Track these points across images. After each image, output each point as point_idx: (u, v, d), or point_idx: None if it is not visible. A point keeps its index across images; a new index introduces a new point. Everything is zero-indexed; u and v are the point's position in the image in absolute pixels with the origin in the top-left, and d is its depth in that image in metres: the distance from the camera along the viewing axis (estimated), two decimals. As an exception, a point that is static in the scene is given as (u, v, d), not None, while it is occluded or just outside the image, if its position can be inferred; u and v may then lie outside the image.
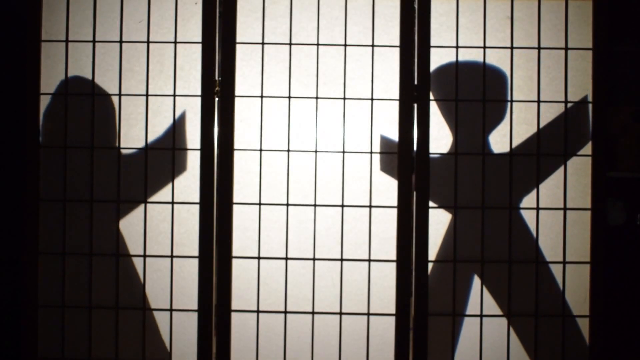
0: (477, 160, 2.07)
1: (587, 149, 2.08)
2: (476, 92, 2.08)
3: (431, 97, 2.07)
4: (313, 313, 2.07)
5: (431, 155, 2.07)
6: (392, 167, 2.06)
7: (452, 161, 2.07)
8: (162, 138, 2.07)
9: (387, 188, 2.07)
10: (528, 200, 2.08)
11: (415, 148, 2.05)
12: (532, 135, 2.08)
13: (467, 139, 2.08)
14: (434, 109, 2.09)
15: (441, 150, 2.09)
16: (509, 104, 2.08)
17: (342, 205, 2.07)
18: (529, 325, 2.07)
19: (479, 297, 2.07)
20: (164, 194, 2.07)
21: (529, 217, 2.08)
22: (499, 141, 2.09)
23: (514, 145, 2.08)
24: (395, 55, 2.08)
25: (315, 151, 2.08)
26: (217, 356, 2.06)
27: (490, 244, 2.07)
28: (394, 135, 2.07)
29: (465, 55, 2.09)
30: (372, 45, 2.09)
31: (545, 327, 2.07)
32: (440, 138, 2.09)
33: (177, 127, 2.07)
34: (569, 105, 2.09)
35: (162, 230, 2.07)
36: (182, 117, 2.06)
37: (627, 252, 2.18)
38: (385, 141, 2.07)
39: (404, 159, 2.05)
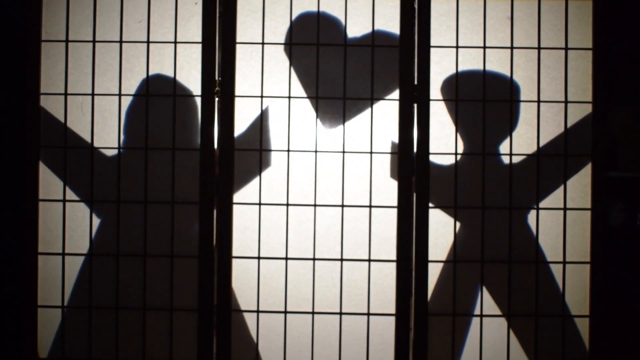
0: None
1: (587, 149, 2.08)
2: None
3: (431, 97, 2.08)
4: (313, 313, 2.07)
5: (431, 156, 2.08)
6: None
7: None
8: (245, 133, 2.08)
9: (387, 188, 2.07)
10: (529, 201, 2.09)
11: (415, 148, 2.06)
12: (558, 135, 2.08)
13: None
14: (433, 109, 2.08)
15: (441, 150, 2.09)
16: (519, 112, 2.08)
17: (342, 205, 2.07)
18: (529, 325, 2.07)
19: (480, 301, 2.08)
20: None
21: (530, 215, 2.08)
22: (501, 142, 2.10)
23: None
24: (395, 55, 2.08)
25: (315, 151, 2.08)
26: (217, 356, 2.06)
27: (493, 246, 2.08)
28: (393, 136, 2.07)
29: (465, 55, 2.09)
30: (372, 46, 2.09)
31: (546, 327, 2.07)
32: (440, 138, 2.09)
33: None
34: (569, 105, 2.09)
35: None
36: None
37: (627, 252, 2.18)
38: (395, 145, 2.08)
39: (404, 159, 2.05)
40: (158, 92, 2.08)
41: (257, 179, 2.08)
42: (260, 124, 2.08)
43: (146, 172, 2.07)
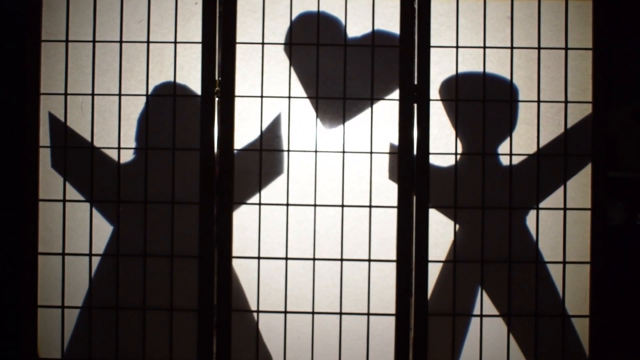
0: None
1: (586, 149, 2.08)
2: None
3: (431, 97, 2.07)
4: (313, 313, 2.07)
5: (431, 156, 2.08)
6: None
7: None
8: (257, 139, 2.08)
9: (387, 188, 2.07)
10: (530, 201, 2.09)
11: (415, 148, 2.05)
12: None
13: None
14: (433, 109, 2.08)
15: (441, 150, 2.09)
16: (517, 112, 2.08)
17: (342, 205, 2.07)
18: (528, 326, 2.07)
19: (481, 302, 2.08)
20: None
21: (529, 217, 2.08)
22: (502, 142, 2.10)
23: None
24: (395, 55, 2.08)
25: (315, 151, 2.08)
26: (217, 356, 2.06)
27: (492, 247, 2.08)
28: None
29: (465, 55, 2.09)
30: (372, 46, 2.09)
31: (545, 328, 2.07)
32: (440, 138, 2.09)
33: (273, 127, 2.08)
34: (569, 105, 2.09)
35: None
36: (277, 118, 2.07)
37: (627, 252, 2.18)
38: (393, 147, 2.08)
39: (404, 159, 2.05)
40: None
41: (257, 180, 2.08)
42: (260, 124, 2.08)
43: (146, 172, 2.07)
